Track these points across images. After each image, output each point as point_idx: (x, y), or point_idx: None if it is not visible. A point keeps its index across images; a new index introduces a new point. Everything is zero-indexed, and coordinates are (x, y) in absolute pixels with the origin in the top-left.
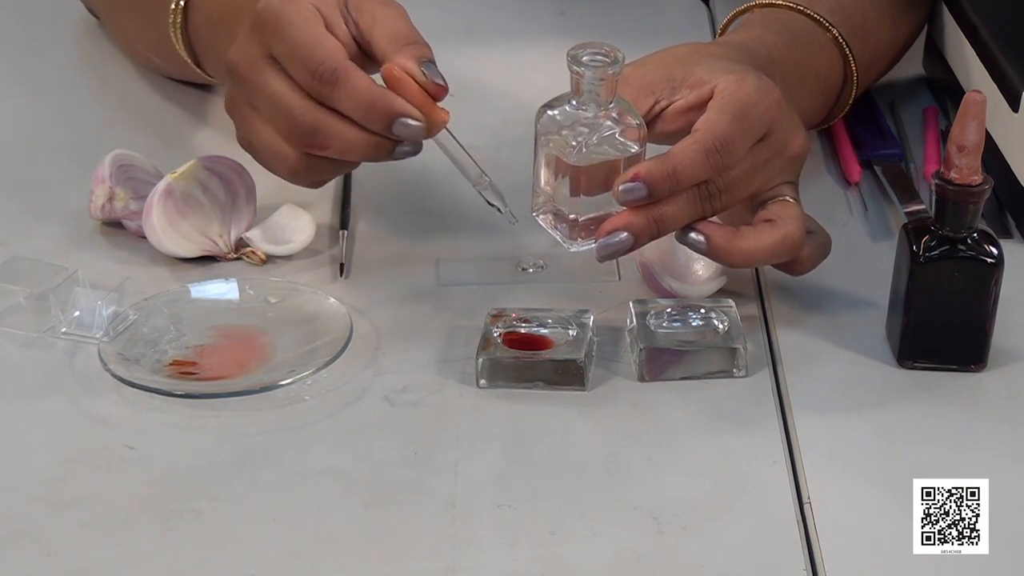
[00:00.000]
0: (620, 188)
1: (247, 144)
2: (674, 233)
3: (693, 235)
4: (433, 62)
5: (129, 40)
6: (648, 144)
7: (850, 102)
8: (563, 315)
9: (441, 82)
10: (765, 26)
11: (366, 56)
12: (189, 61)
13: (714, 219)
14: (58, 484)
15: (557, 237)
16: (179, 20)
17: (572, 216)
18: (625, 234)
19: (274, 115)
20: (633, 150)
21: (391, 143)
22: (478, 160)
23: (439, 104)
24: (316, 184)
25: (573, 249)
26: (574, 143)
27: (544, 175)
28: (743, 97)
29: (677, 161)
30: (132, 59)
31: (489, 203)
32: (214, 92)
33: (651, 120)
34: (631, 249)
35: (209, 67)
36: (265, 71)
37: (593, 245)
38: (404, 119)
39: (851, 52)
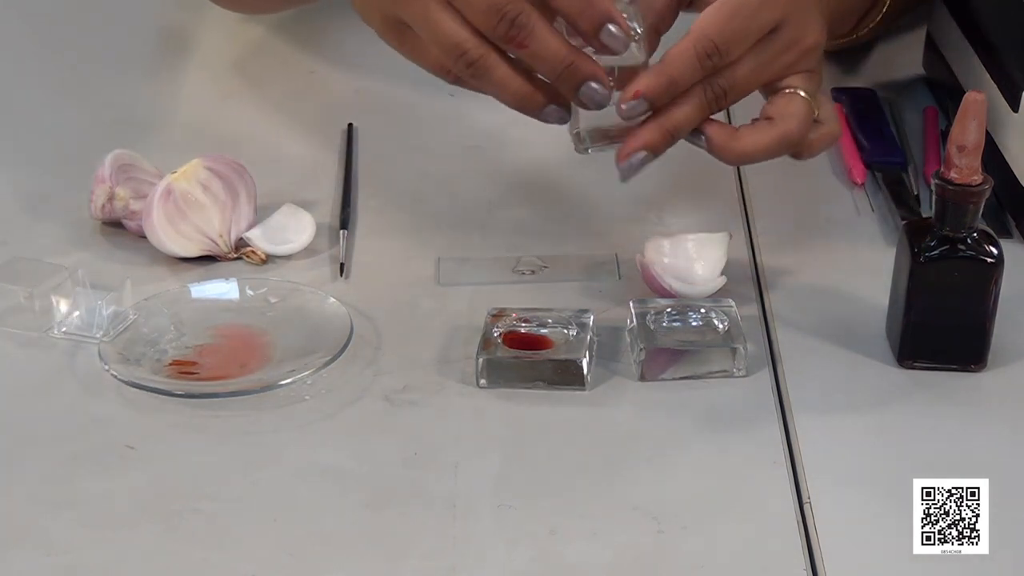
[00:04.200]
0: (623, 107)
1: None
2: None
3: (694, 134)
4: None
5: None
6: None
7: (883, 11)
8: (563, 315)
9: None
10: None
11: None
12: None
13: (717, 117)
14: (58, 484)
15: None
16: None
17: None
18: (644, 153)
19: (439, 44)
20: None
21: (544, 100)
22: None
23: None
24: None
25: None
26: None
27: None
28: None
29: (672, 69)
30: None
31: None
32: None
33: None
34: (652, 160)
35: None
36: (438, 12)
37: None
38: (592, 83)
39: None
